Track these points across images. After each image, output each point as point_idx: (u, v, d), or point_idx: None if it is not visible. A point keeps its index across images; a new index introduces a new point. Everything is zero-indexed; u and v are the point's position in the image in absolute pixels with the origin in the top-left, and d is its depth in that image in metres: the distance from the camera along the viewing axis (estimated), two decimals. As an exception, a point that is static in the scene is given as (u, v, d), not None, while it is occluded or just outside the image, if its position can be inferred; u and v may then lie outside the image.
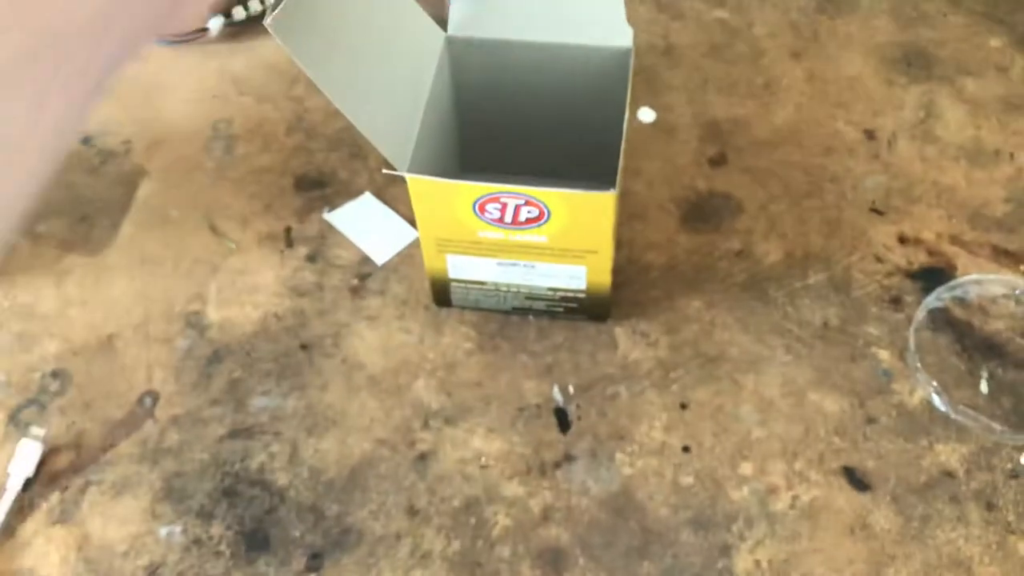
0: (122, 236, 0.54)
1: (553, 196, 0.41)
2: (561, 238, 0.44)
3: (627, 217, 0.53)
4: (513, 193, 0.41)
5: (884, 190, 0.54)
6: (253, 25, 0.64)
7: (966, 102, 0.58)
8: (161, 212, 0.55)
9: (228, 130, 0.59)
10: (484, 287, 0.47)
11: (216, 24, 0.63)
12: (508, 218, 0.43)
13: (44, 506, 0.44)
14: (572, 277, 0.46)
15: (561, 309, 0.48)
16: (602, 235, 0.43)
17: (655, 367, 0.48)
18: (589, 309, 0.48)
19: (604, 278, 0.46)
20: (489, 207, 0.42)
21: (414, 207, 0.44)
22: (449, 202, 0.43)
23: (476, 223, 0.43)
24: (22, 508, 0.44)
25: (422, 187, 0.42)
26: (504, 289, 0.47)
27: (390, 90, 0.43)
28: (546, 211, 0.42)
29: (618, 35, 0.45)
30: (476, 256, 0.46)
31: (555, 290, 0.47)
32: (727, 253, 0.52)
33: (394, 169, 0.42)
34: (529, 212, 0.42)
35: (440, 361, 0.48)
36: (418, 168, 0.43)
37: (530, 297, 0.48)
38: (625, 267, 0.51)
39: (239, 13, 0.63)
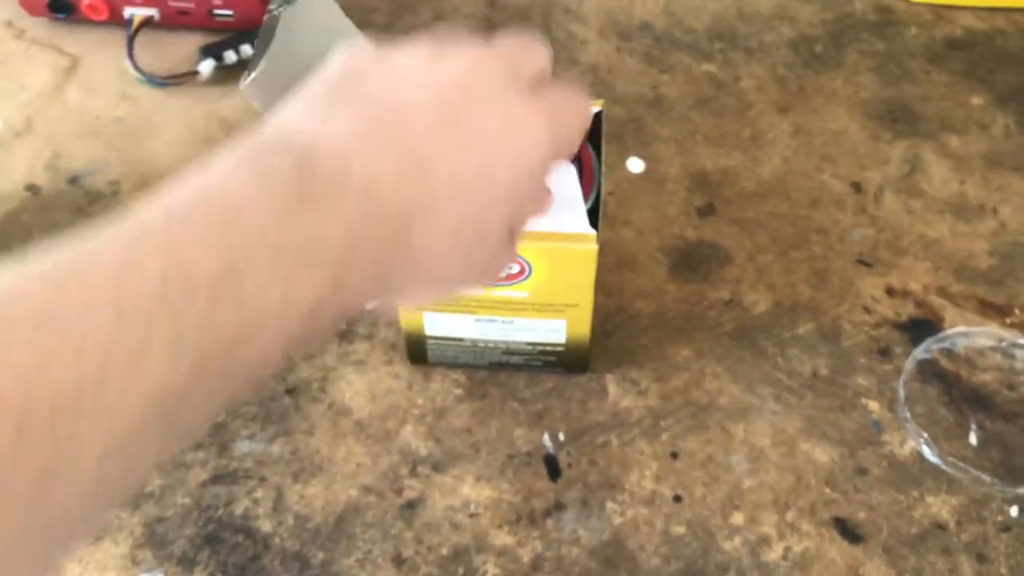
0: (107, 277, 0.53)
1: (534, 251, 0.41)
2: (542, 293, 0.43)
3: (616, 265, 0.53)
4: None
5: (871, 242, 0.54)
6: (243, 69, 0.64)
7: (950, 157, 0.58)
8: (147, 253, 0.54)
9: (217, 172, 0.58)
10: (461, 343, 0.47)
11: (207, 67, 0.63)
12: None
13: (20, 551, 0.43)
14: (551, 331, 0.46)
15: (539, 363, 0.48)
16: (583, 289, 0.43)
17: (645, 415, 0.47)
18: (567, 362, 0.48)
19: (583, 331, 0.46)
20: None
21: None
22: None
23: None
24: (-3, 553, 0.43)
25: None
26: (482, 345, 0.47)
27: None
28: (527, 267, 0.42)
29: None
30: (454, 313, 0.45)
31: (534, 344, 0.47)
32: (716, 302, 0.52)
33: None
34: (510, 268, 0.42)
35: (428, 407, 0.48)
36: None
37: (508, 352, 0.47)
38: (615, 315, 0.51)
39: (230, 57, 0.63)
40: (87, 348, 0.22)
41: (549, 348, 0.47)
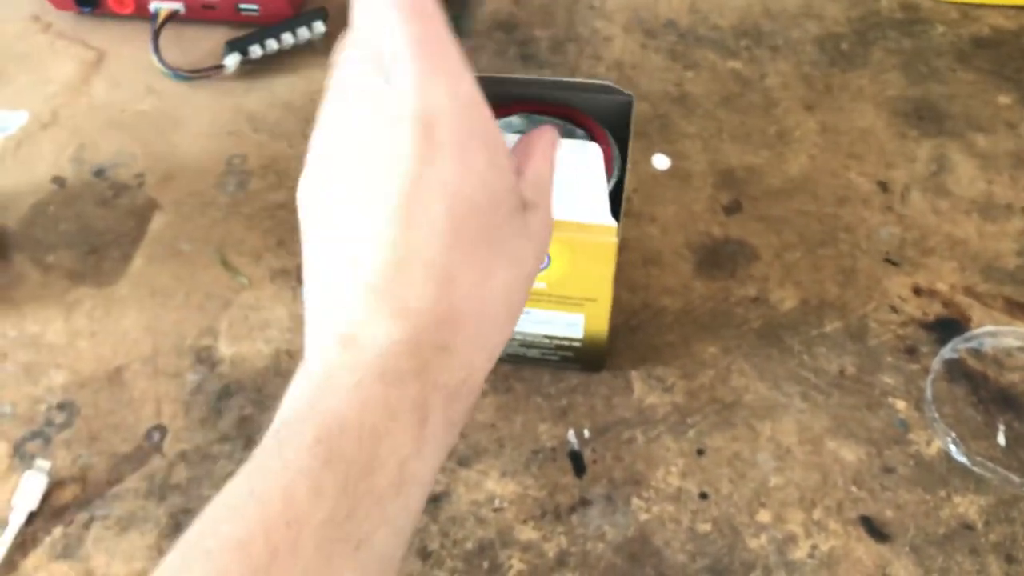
0: (133, 269, 0.54)
1: (554, 241, 0.41)
2: (560, 285, 0.43)
3: (642, 262, 0.53)
4: None
5: (898, 241, 0.54)
6: (269, 63, 0.64)
7: (977, 156, 0.58)
8: (173, 246, 0.55)
9: (242, 166, 0.59)
10: None
11: (232, 61, 0.63)
12: None
13: (47, 540, 0.43)
14: (569, 325, 0.46)
15: (556, 358, 0.48)
16: (602, 283, 0.43)
17: (671, 412, 0.47)
18: (584, 359, 0.48)
19: (602, 327, 0.46)
20: None
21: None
22: None
23: None
24: (24, 542, 0.43)
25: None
26: None
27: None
28: (546, 257, 0.42)
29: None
30: None
31: (551, 338, 0.47)
32: (743, 300, 0.51)
33: None
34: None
35: (454, 401, 0.48)
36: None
37: (524, 344, 0.47)
38: (640, 311, 0.51)
39: (255, 51, 0.63)
40: (244, 539, 0.26)
41: (566, 343, 0.47)
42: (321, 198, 0.33)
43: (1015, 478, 0.44)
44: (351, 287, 0.30)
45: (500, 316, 0.32)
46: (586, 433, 0.47)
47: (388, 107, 0.30)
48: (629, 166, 0.43)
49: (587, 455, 0.46)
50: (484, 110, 0.31)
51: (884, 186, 0.56)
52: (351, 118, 0.32)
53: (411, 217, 0.30)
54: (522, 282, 0.33)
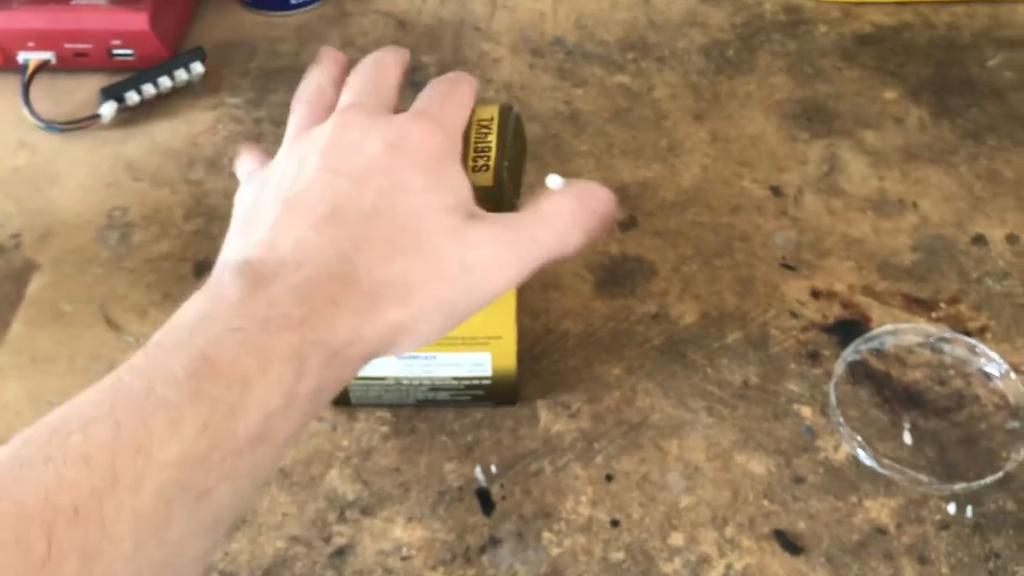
0: (12, 335, 0.51)
1: None
2: (463, 326, 0.42)
3: (542, 287, 0.52)
4: None
5: (794, 245, 0.54)
6: (147, 109, 0.62)
7: (867, 154, 0.58)
8: (54, 307, 0.52)
9: (124, 218, 0.56)
10: (385, 382, 0.46)
11: (108, 109, 0.61)
12: None
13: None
14: (476, 364, 0.45)
15: (467, 397, 0.47)
16: (505, 320, 0.42)
17: (578, 439, 0.46)
18: (496, 395, 0.47)
19: (510, 363, 0.45)
20: None
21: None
22: None
23: None
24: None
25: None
26: (407, 383, 0.46)
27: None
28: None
29: None
30: None
31: (459, 379, 0.46)
32: (643, 317, 0.51)
33: None
34: None
35: (355, 448, 0.46)
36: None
37: (434, 388, 0.46)
38: (543, 338, 0.50)
39: (132, 97, 0.61)
40: (92, 455, 0.26)
41: (476, 382, 0.46)
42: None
43: (923, 477, 0.44)
44: (271, 205, 0.34)
45: (399, 297, 0.33)
46: (493, 469, 0.45)
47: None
48: (524, 189, 0.43)
49: (495, 491, 0.45)
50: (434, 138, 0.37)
51: (777, 191, 0.56)
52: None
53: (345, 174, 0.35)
54: (436, 279, 0.34)
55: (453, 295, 0.35)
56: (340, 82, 0.41)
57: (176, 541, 0.27)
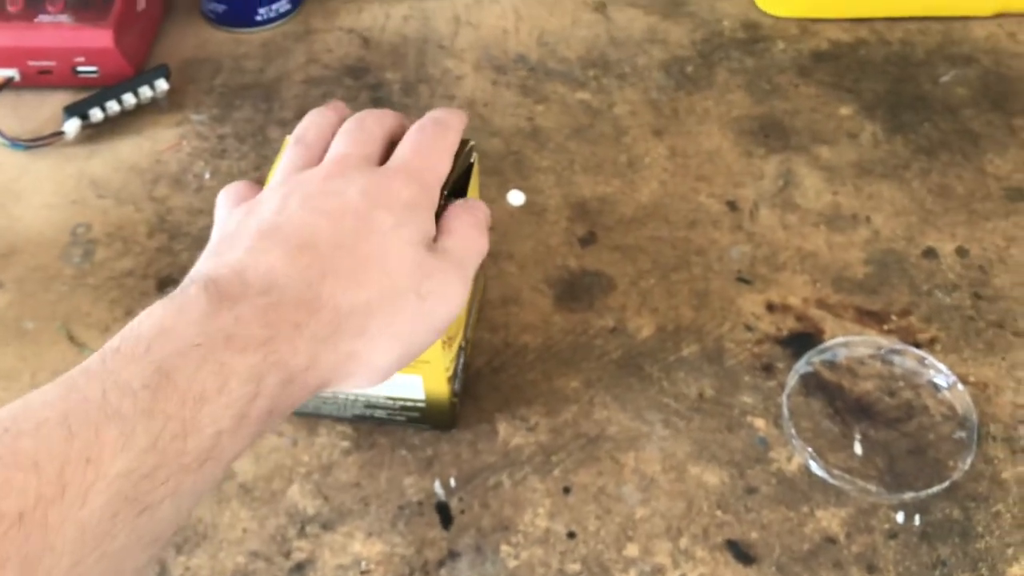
0: (-27, 353, 0.51)
1: None
2: None
3: (501, 301, 0.53)
4: None
5: (749, 259, 0.55)
6: (111, 125, 0.62)
7: (822, 169, 0.60)
8: (16, 325, 0.52)
9: (87, 235, 0.57)
10: (322, 394, 0.46)
11: (72, 127, 0.61)
12: None
13: None
14: (409, 386, 0.45)
15: (403, 418, 0.47)
16: (433, 345, 0.43)
17: (536, 452, 0.47)
18: (431, 419, 0.47)
19: (441, 388, 0.45)
20: None
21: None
22: None
23: None
24: None
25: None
26: (342, 397, 0.46)
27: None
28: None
29: None
30: None
31: (394, 399, 0.46)
32: (601, 331, 0.52)
33: None
34: None
35: (315, 463, 0.47)
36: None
37: (369, 405, 0.47)
38: (502, 351, 0.51)
39: (96, 115, 0.61)
40: (42, 461, 0.26)
41: (410, 403, 0.46)
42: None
43: (872, 487, 0.45)
44: (249, 232, 0.36)
45: (358, 327, 0.34)
46: (452, 482, 0.46)
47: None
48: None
49: (454, 505, 0.45)
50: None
51: (733, 205, 0.57)
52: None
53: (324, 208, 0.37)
54: (394, 312, 0.35)
55: (410, 326, 0.36)
56: (336, 127, 0.42)
57: (117, 554, 0.27)
